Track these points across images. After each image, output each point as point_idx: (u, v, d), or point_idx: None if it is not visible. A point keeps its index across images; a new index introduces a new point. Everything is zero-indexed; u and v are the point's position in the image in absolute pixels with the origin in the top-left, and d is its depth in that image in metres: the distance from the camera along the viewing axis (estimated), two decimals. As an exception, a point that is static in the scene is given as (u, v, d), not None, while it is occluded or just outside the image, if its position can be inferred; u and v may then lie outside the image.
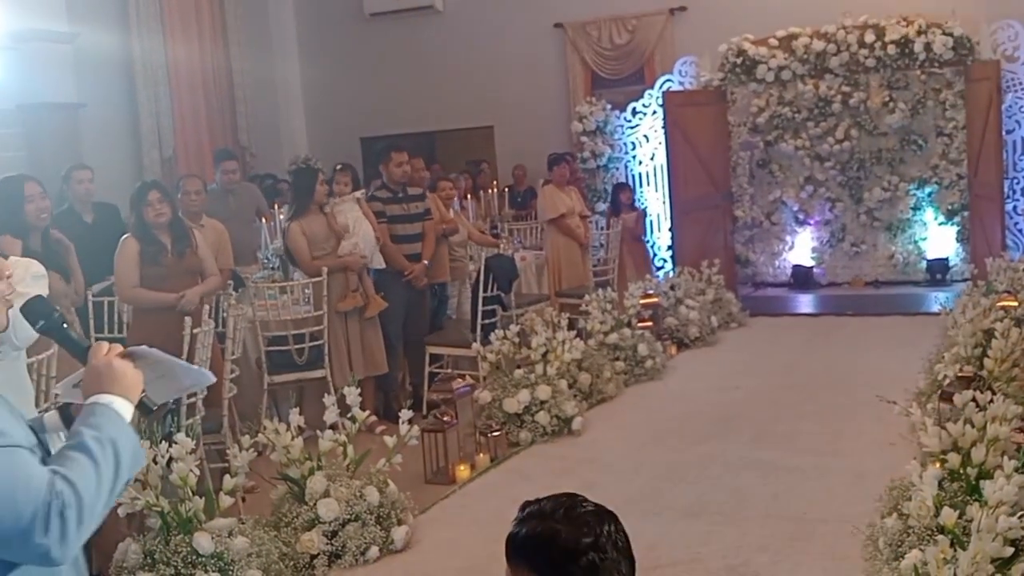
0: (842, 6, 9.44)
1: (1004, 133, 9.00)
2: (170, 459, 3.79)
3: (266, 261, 7.48)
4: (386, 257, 6.62)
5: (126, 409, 1.83)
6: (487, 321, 6.87)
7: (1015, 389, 4.86)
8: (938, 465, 3.71)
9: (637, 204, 10.38)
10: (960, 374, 4.80)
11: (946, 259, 10.16)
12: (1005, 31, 9.03)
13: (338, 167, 6.86)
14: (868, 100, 10.25)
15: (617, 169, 10.83)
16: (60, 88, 8.15)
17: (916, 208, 10.37)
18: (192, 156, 10.38)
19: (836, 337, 8.28)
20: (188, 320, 4.70)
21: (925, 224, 10.35)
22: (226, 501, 3.93)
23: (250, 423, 4.66)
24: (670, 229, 10.03)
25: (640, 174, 10.72)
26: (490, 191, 10.72)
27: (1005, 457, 3.49)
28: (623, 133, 10.77)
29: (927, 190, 10.29)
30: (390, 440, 4.67)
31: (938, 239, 10.28)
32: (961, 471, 3.64)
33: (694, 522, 4.47)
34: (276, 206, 8.15)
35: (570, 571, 1.74)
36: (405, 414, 4.87)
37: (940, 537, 3.24)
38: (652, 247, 10.55)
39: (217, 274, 5.49)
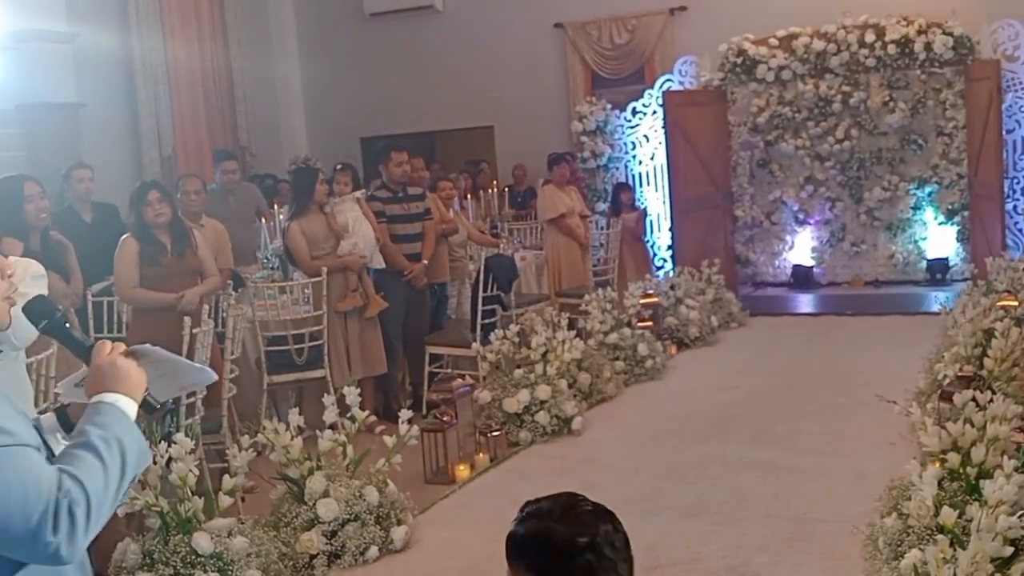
0: (842, 6, 9.43)
1: (1004, 133, 9.00)
2: (169, 459, 3.79)
3: (266, 261, 7.48)
4: (386, 257, 6.61)
5: (131, 408, 1.84)
6: (487, 321, 6.87)
7: (1015, 389, 4.85)
8: (938, 465, 3.71)
9: (637, 204, 10.38)
10: (960, 374, 4.80)
11: (946, 259, 10.16)
12: (1005, 31, 9.03)
13: (338, 167, 6.86)
14: (868, 100, 10.25)
15: (617, 169, 10.83)
16: (60, 88, 8.16)
17: (916, 208, 10.37)
18: (192, 156, 10.38)
19: (836, 337, 8.27)
20: (188, 320, 4.70)
21: (925, 224, 10.35)
22: (225, 501, 3.92)
23: (249, 423, 4.66)
24: (670, 229, 10.03)
25: (640, 174, 10.71)
26: (490, 191, 10.72)
27: (1005, 457, 3.49)
28: (623, 133, 10.76)
29: (927, 190, 10.29)
30: (390, 440, 4.66)
31: (938, 239, 10.28)
32: (961, 471, 3.64)
33: (694, 522, 4.46)
34: (276, 206, 8.15)
35: (566, 570, 1.74)
36: (405, 414, 4.86)
37: (940, 537, 3.24)
38: (652, 247, 10.54)
39: (217, 274, 5.49)
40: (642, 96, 10.61)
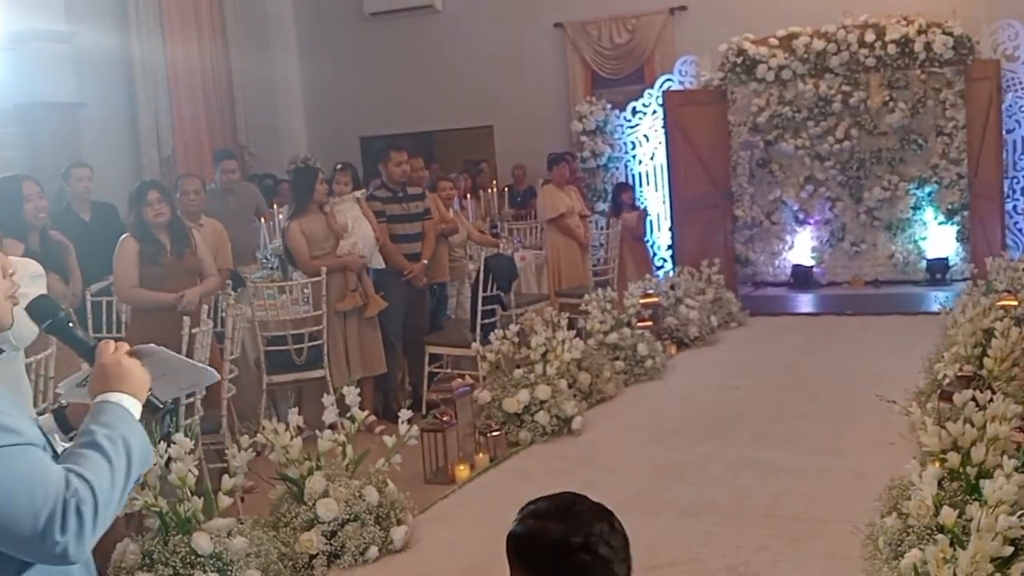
0: (842, 5, 9.43)
1: (1004, 132, 9.00)
2: (169, 459, 3.78)
3: (265, 261, 7.48)
4: (385, 257, 6.61)
5: (135, 407, 1.83)
6: (487, 321, 6.86)
7: (1015, 388, 4.85)
8: (938, 464, 3.71)
9: (637, 204, 10.37)
10: (960, 373, 4.79)
11: (946, 258, 10.16)
12: (1005, 31, 9.03)
13: (338, 167, 6.86)
14: (868, 100, 10.25)
15: (617, 169, 10.83)
16: (59, 88, 8.16)
17: (916, 207, 10.37)
18: (191, 156, 10.38)
19: (836, 337, 8.27)
20: (187, 320, 4.70)
21: (925, 224, 10.35)
22: (225, 501, 3.92)
23: (249, 423, 4.65)
24: (670, 229, 10.03)
25: (640, 174, 10.71)
26: (490, 191, 10.72)
27: (1005, 456, 3.48)
28: (623, 133, 10.76)
29: (927, 189, 10.29)
30: (389, 440, 4.66)
31: (938, 238, 10.28)
32: (961, 470, 3.64)
33: (694, 522, 4.46)
34: (275, 206, 8.15)
35: (560, 570, 1.73)
36: (404, 414, 4.85)
37: (940, 536, 3.24)
38: (652, 247, 10.54)
39: (216, 274, 5.48)
40: (642, 96, 10.61)
